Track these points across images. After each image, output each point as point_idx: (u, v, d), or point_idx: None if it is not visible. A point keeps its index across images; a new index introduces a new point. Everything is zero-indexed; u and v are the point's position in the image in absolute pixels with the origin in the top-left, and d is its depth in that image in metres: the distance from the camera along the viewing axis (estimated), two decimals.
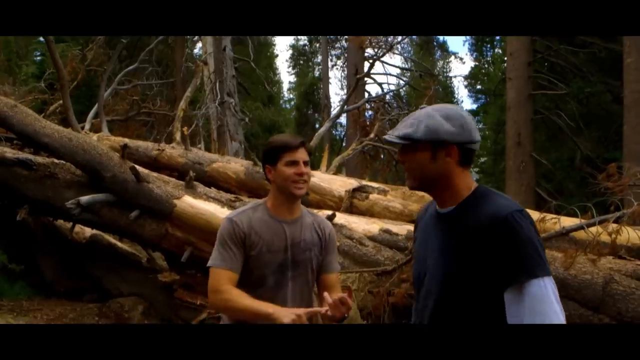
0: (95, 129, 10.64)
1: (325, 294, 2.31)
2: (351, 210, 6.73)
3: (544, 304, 1.59)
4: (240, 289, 2.38)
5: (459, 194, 1.79)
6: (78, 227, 7.71)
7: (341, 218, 6.00)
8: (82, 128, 9.61)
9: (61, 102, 9.74)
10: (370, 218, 6.31)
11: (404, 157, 1.82)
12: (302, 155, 2.46)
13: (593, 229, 4.54)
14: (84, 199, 5.72)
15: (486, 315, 1.68)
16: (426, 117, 1.78)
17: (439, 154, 1.76)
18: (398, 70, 24.92)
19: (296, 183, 2.44)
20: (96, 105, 11.23)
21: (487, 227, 1.65)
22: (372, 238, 5.74)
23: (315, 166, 10.50)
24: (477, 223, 1.68)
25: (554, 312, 1.60)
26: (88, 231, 7.90)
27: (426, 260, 1.86)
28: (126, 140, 8.80)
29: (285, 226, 2.50)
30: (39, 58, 17.46)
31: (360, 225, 5.94)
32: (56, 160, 6.25)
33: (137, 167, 6.01)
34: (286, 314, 2.18)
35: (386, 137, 1.91)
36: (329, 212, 5.97)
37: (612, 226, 4.51)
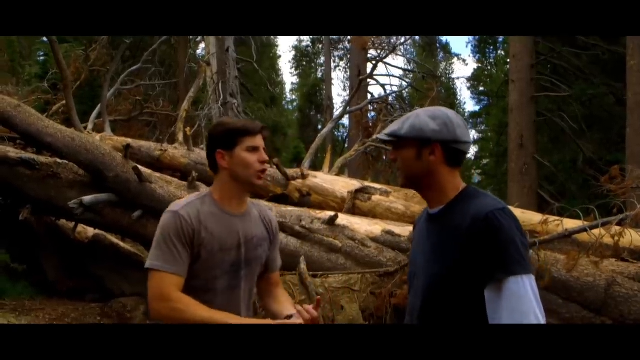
0: (98, 129, 10.65)
1: (305, 306, 2.13)
2: (354, 211, 6.73)
3: (522, 302, 1.59)
4: (189, 288, 2.10)
5: (446, 195, 1.81)
6: (80, 227, 7.73)
7: (344, 219, 6.00)
8: (85, 128, 9.62)
9: (64, 102, 9.76)
10: (373, 219, 6.31)
11: (394, 154, 1.86)
12: (261, 141, 2.22)
13: (596, 232, 4.53)
14: (87, 198, 5.72)
15: (470, 313, 1.68)
16: (413, 116, 1.83)
17: (423, 152, 1.78)
18: (401, 72, 24.94)
19: (259, 172, 2.18)
20: (99, 106, 11.24)
21: (469, 225, 1.66)
22: (374, 239, 5.74)
23: (317, 167, 10.51)
24: (460, 222, 1.69)
25: (532, 311, 1.59)
26: (91, 231, 7.91)
27: (417, 263, 1.89)
28: (129, 140, 8.80)
29: (237, 221, 2.21)
30: (42, 58, 17.46)
31: (363, 226, 5.94)
32: (59, 160, 6.26)
33: (140, 167, 6.02)
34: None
35: (377, 135, 1.95)
36: (332, 213, 5.98)
37: (615, 228, 4.51)
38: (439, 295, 1.74)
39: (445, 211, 1.80)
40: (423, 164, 1.79)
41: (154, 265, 2.09)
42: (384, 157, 12.30)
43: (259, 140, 2.20)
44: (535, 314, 1.59)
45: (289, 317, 2.14)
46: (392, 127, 1.85)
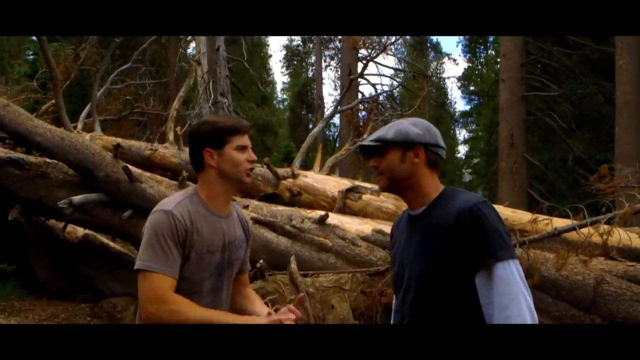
0: (88, 128, 10.61)
1: (289, 306, 2.15)
2: (344, 210, 6.74)
3: (510, 284, 1.73)
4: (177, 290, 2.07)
5: (428, 196, 1.95)
6: (70, 227, 7.69)
7: (334, 218, 6.01)
8: (75, 127, 9.58)
9: (54, 101, 9.71)
10: (363, 218, 6.32)
11: (377, 161, 1.98)
12: (249, 140, 2.20)
13: (585, 230, 4.56)
14: (77, 198, 5.70)
15: (462, 300, 1.81)
16: (396, 123, 1.99)
17: (407, 155, 1.93)
18: (392, 71, 24.97)
19: (248, 170, 2.17)
20: (89, 105, 11.19)
21: (455, 219, 1.80)
22: (365, 238, 5.75)
23: (308, 166, 10.51)
24: (445, 218, 1.83)
25: (520, 291, 1.73)
26: (80, 231, 7.88)
27: (404, 261, 1.98)
28: (119, 139, 8.77)
29: (222, 222, 2.20)
30: (31, 57, 17.38)
31: (353, 225, 5.95)
32: (48, 160, 6.22)
33: (130, 166, 5.99)
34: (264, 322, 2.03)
35: (360, 144, 2.07)
36: (322, 213, 5.98)
37: (604, 227, 4.53)
38: (431, 286, 1.85)
39: (428, 210, 1.93)
40: (407, 166, 1.93)
41: (147, 266, 2.03)
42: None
43: (247, 139, 2.19)
44: (524, 295, 1.73)
45: (269, 314, 2.15)
46: (375, 135, 1.98)
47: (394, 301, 2.12)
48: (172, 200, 2.17)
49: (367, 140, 2.00)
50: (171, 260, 2.03)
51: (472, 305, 1.79)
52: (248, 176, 2.18)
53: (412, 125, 1.95)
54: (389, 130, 1.96)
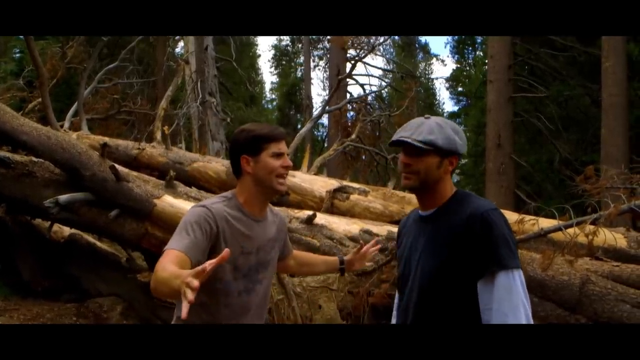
0: (75, 127, 10.55)
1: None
2: (332, 210, 6.74)
3: (511, 293, 1.75)
4: (206, 299, 2.14)
5: (442, 198, 1.98)
6: (56, 226, 7.63)
7: (322, 218, 6.01)
8: (62, 126, 9.53)
9: (40, 100, 9.64)
10: (351, 218, 6.33)
11: (411, 160, 1.97)
12: (285, 147, 2.28)
13: (570, 231, 4.59)
14: (63, 197, 5.66)
15: (463, 303, 1.83)
16: (442, 128, 1.96)
17: (444, 162, 1.97)
18: (380, 72, 25.01)
19: (280, 177, 2.24)
20: (76, 104, 11.13)
21: (466, 223, 1.82)
22: (352, 238, 5.75)
23: (296, 166, 10.50)
24: (456, 221, 1.85)
25: (520, 301, 1.75)
26: (67, 230, 7.82)
27: (411, 260, 2.00)
28: (106, 139, 8.73)
29: (258, 225, 2.29)
30: (17, 55, 17.24)
31: (341, 225, 5.95)
32: (34, 159, 6.17)
33: (117, 166, 5.96)
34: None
35: (402, 138, 1.97)
36: (310, 213, 5.98)
37: (589, 228, 4.56)
38: (436, 286, 1.88)
39: (439, 212, 1.98)
40: (440, 172, 1.97)
41: (167, 246, 2.04)
42: (363, 157, 12.33)
43: (283, 146, 2.26)
44: (524, 305, 1.76)
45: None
46: (424, 136, 1.93)
47: (396, 300, 2.17)
48: (211, 200, 2.28)
49: (413, 138, 1.94)
50: (192, 243, 2.03)
51: (472, 309, 1.81)
52: (281, 184, 2.25)
53: (454, 133, 1.96)
54: (437, 136, 1.93)
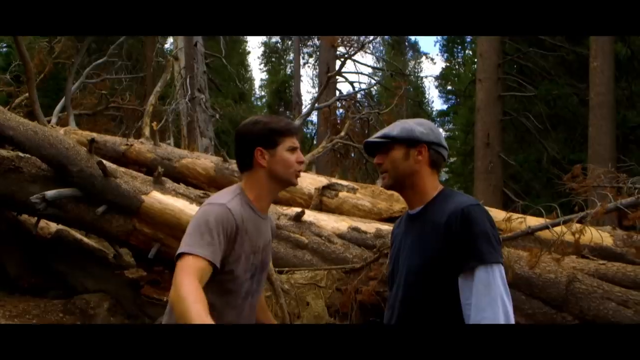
0: (63, 122, 10.48)
1: None
2: (320, 207, 6.74)
3: (490, 287, 1.75)
4: (211, 286, 1.97)
5: (427, 195, 1.98)
6: (43, 222, 7.58)
7: (310, 216, 6.01)
8: (49, 122, 9.45)
9: (27, 95, 9.55)
10: (340, 216, 6.33)
11: (380, 158, 2.01)
12: (298, 142, 2.22)
13: (557, 229, 4.62)
14: (50, 193, 5.62)
15: (446, 302, 1.84)
16: (400, 122, 2.06)
17: (411, 153, 1.97)
18: (369, 70, 25.04)
19: (297, 171, 2.18)
20: (63, 99, 11.06)
21: (447, 220, 1.83)
22: (340, 236, 5.76)
23: None
24: (439, 218, 1.86)
25: (499, 296, 1.75)
26: (53, 226, 7.77)
27: (399, 258, 2.03)
28: (94, 134, 8.68)
29: (263, 224, 2.21)
30: (5, 50, 17.12)
31: (329, 223, 5.95)
32: (21, 154, 6.13)
33: (105, 162, 5.93)
34: None
35: (366, 141, 2.08)
36: (298, 210, 5.97)
37: (576, 226, 4.60)
38: (419, 284, 1.90)
39: (425, 210, 1.98)
40: (410, 164, 1.97)
41: (188, 249, 1.92)
42: (352, 155, 12.34)
43: (297, 141, 2.21)
44: (502, 299, 1.75)
45: None
46: (381, 132, 2.04)
47: (389, 298, 2.17)
48: (224, 196, 2.13)
49: (373, 137, 2.05)
50: (215, 248, 1.96)
51: (455, 305, 1.82)
52: (297, 177, 2.19)
53: (416, 125, 2.01)
54: (394, 128, 2.01)
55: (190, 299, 1.77)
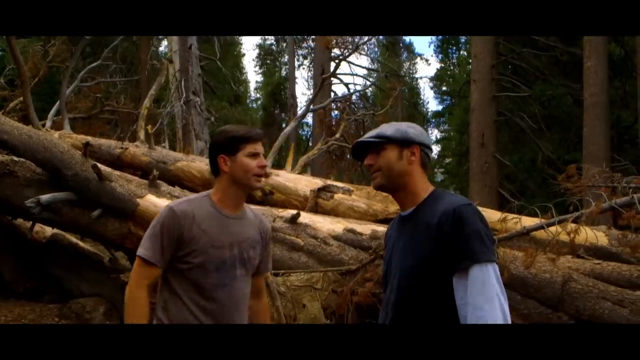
0: (57, 126, 10.46)
1: None
2: (316, 209, 6.74)
3: (485, 286, 1.75)
4: (182, 284, 2.30)
5: (418, 196, 1.99)
6: (38, 227, 7.56)
7: (306, 217, 6.00)
8: (43, 126, 9.44)
9: (21, 98, 9.54)
10: (335, 217, 6.33)
11: (372, 159, 2.02)
12: (261, 147, 2.39)
13: (552, 229, 4.62)
14: (45, 197, 5.61)
15: (440, 303, 1.84)
16: (391, 124, 2.08)
17: (404, 153, 1.99)
18: (364, 71, 25.06)
19: (257, 176, 2.34)
20: (58, 103, 11.04)
21: (438, 221, 1.83)
22: (336, 237, 5.75)
23: (280, 165, 10.49)
24: (430, 219, 1.87)
25: (495, 294, 1.75)
26: (48, 230, 7.75)
27: (392, 260, 2.03)
28: (89, 138, 8.67)
29: (231, 222, 2.38)
30: None
31: (325, 224, 5.95)
32: (15, 158, 6.11)
33: (100, 165, 5.92)
34: None
35: (359, 140, 2.09)
36: (294, 212, 5.97)
37: (571, 226, 4.60)
38: (413, 285, 1.89)
39: (416, 211, 1.99)
40: (403, 164, 1.99)
41: (140, 252, 2.31)
42: (347, 156, 12.34)
43: (259, 147, 2.37)
44: (499, 297, 1.75)
45: None
46: (374, 132, 2.05)
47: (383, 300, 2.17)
48: (182, 199, 2.47)
49: (365, 137, 2.05)
50: (160, 251, 2.28)
51: (449, 306, 1.81)
52: (258, 181, 2.36)
53: (408, 127, 2.03)
54: (386, 129, 2.03)
55: (129, 308, 2.28)
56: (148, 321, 2.28)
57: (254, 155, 2.34)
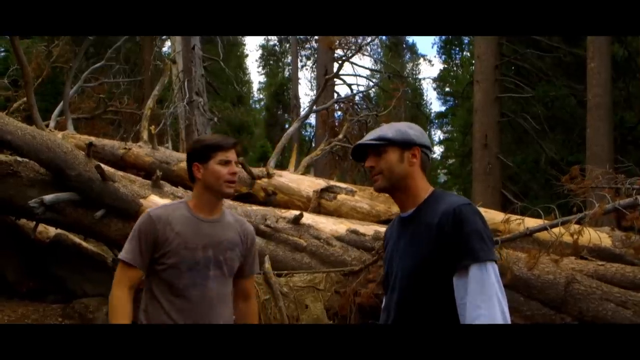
0: (61, 127, 10.47)
1: None
2: (319, 210, 6.74)
3: (484, 285, 1.75)
4: (159, 285, 2.44)
5: (418, 197, 1.99)
6: (41, 227, 7.58)
7: (309, 218, 6.01)
8: (47, 126, 9.44)
9: (25, 99, 9.55)
10: (338, 218, 6.33)
11: (374, 161, 2.00)
12: (234, 155, 2.50)
13: (556, 230, 4.62)
14: (48, 197, 5.62)
15: (441, 303, 1.83)
16: (392, 125, 2.06)
17: (405, 155, 1.98)
18: (367, 72, 25.06)
19: (228, 182, 2.46)
20: (61, 103, 11.04)
21: (439, 221, 1.84)
22: (339, 238, 5.75)
23: (283, 166, 10.49)
24: (431, 220, 1.87)
25: (495, 293, 1.75)
26: (52, 231, 7.77)
27: (393, 262, 2.03)
28: (92, 138, 8.68)
29: (206, 225, 2.49)
30: (2, 54, 17.10)
31: (328, 225, 5.95)
32: (19, 158, 6.12)
33: (103, 165, 5.93)
34: None
35: (359, 142, 2.06)
36: (297, 212, 5.98)
37: (574, 227, 4.60)
38: (415, 285, 1.89)
39: (417, 212, 1.98)
40: (405, 166, 1.98)
41: (121, 255, 2.46)
42: (350, 157, 12.31)
43: (231, 155, 2.48)
44: (498, 297, 1.75)
45: None
46: (376, 134, 2.03)
47: (384, 301, 2.17)
48: (161, 205, 2.63)
49: (366, 139, 2.03)
50: (139, 254, 2.42)
51: (450, 306, 1.81)
52: (229, 187, 2.47)
53: (408, 128, 2.03)
54: (387, 131, 2.01)
55: (111, 309, 2.47)
56: (131, 322, 2.42)
57: (226, 162, 2.45)
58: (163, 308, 2.42)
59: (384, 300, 2.17)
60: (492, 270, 1.77)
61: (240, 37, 27.11)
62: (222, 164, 2.45)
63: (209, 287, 2.44)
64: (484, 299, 1.73)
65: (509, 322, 1.76)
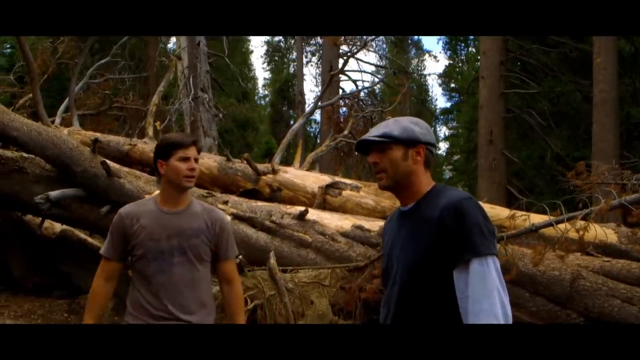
0: (66, 123, 10.48)
1: None
2: (324, 206, 6.73)
3: (485, 279, 1.75)
4: (135, 275, 2.72)
5: (419, 192, 1.99)
6: (47, 223, 7.60)
7: (314, 214, 6.01)
8: (53, 122, 9.46)
9: (31, 95, 9.57)
10: (343, 214, 6.32)
11: (377, 157, 1.99)
12: (193, 152, 2.70)
13: (561, 226, 4.61)
14: (54, 193, 5.64)
15: (442, 297, 1.83)
16: (396, 121, 2.04)
17: (410, 153, 1.97)
18: (373, 68, 25.03)
19: (187, 177, 2.67)
20: (67, 99, 11.05)
21: (439, 215, 1.83)
22: (344, 234, 5.75)
23: (289, 162, 10.49)
24: (432, 213, 1.87)
25: (495, 287, 1.75)
26: (58, 226, 7.79)
27: (392, 256, 2.02)
28: (97, 134, 8.69)
29: (170, 217, 2.71)
30: (8, 50, 17.15)
31: (333, 221, 5.95)
32: (25, 155, 6.15)
33: (108, 161, 5.94)
34: None
35: (363, 138, 2.04)
36: (302, 208, 5.97)
37: (580, 223, 4.59)
38: (415, 279, 1.89)
39: (417, 205, 1.98)
40: (409, 164, 1.97)
41: (101, 250, 2.80)
42: (355, 153, 12.31)
43: (190, 152, 2.70)
44: (499, 291, 1.75)
45: None
46: (380, 130, 2.00)
47: (384, 297, 2.15)
48: (136, 201, 2.92)
49: (371, 135, 2.01)
50: (112, 247, 2.74)
51: (451, 300, 1.81)
52: (188, 182, 2.70)
53: (413, 124, 2.00)
54: (392, 128, 1.99)
55: (89, 296, 2.82)
56: (108, 309, 2.66)
57: (185, 159, 2.67)
58: (140, 294, 2.66)
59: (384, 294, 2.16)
60: (492, 265, 1.77)
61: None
62: (182, 160, 2.66)
63: (174, 273, 2.65)
64: (485, 294, 1.73)
65: (510, 316, 1.75)
